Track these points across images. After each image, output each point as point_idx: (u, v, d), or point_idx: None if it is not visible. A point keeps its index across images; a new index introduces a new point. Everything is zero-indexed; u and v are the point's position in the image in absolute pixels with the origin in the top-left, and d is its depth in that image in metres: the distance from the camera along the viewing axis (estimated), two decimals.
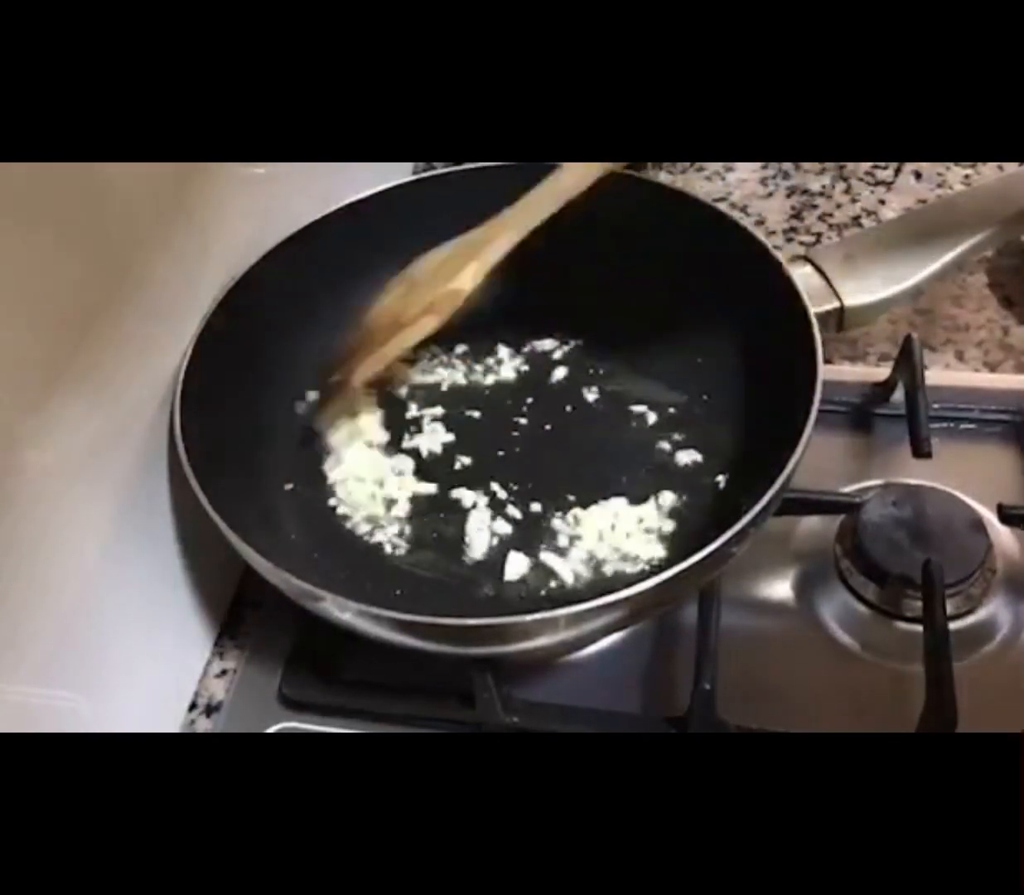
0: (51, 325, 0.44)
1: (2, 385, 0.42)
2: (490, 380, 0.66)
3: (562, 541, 0.57)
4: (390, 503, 0.60)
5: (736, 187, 0.84)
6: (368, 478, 0.61)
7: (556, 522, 0.58)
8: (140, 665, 0.54)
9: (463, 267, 0.54)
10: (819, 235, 0.80)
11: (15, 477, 0.43)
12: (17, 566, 0.44)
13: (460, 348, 0.68)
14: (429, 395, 0.66)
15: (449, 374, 0.67)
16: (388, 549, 0.58)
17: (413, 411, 0.65)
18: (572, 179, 0.52)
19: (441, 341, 0.67)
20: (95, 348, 0.47)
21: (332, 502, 0.61)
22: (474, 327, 0.67)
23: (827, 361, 0.53)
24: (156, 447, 0.54)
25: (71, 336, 0.46)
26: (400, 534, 0.59)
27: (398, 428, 0.64)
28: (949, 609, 0.55)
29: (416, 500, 0.60)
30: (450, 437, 0.63)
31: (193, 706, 0.59)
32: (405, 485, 0.61)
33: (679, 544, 0.57)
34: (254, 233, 0.60)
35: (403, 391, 0.66)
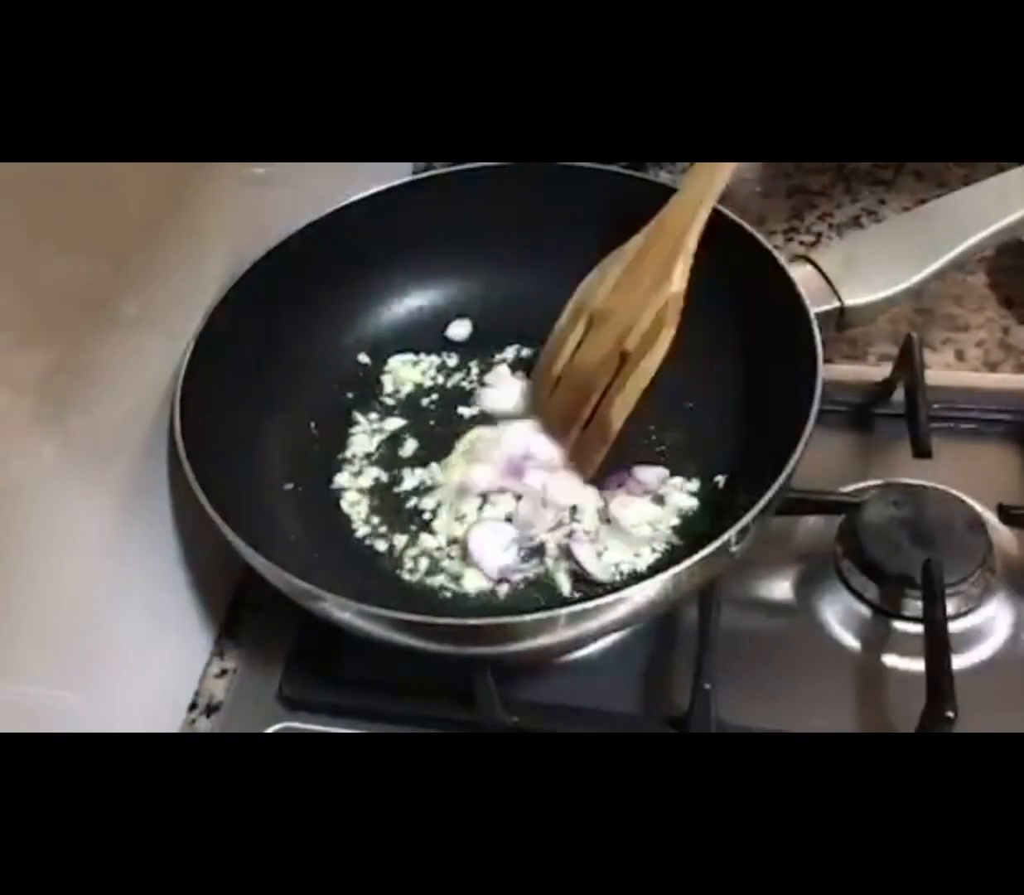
0: (52, 325, 0.44)
1: (3, 384, 0.42)
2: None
3: (562, 540, 0.57)
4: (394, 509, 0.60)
5: (736, 187, 0.84)
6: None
7: None
8: (140, 665, 0.54)
9: (665, 273, 0.53)
10: (819, 235, 0.80)
11: (15, 477, 0.43)
12: (17, 566, 0.44)
13: (461, 351, 0.68)
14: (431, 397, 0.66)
15: (453, 378, 0.67)
16: (388, 549, 0.58)
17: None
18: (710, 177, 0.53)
19: (438, 349, 0.67)
20: (95, 347, 0.47)
21: (333, 502, 0.61)
22: (474, 330, 0.67)
23: (827, 361, 0.53)
24: (156, 447, 0.54)
25: (71, 336, 0.46)
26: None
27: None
28: (949, 609, 0.55)
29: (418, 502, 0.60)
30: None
31: (193, 706, 0.59)
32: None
33: (679, 544, 0.57)
34: (254, 233, 0.60)
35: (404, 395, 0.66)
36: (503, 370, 0.65)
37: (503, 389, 0.64)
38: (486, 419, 0.64)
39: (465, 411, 0.64)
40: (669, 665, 0.57)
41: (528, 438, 0.61)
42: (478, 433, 0.62)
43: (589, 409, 0.56)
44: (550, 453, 0.60)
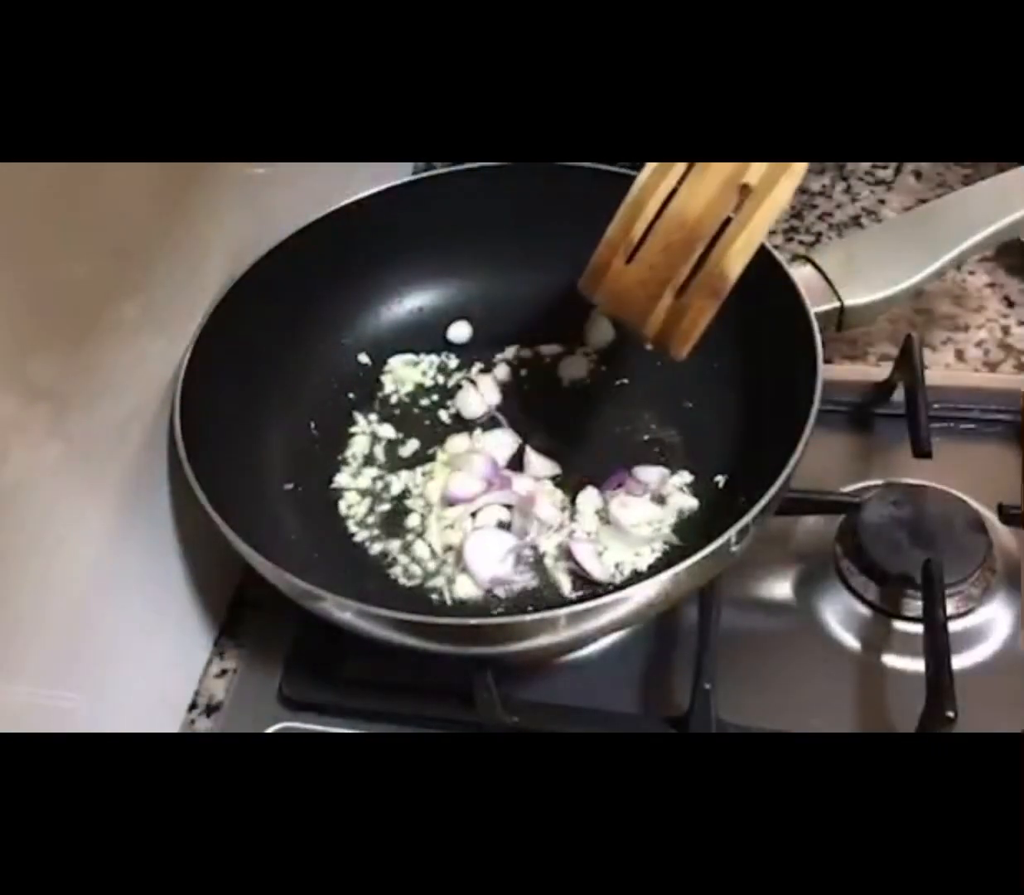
0: (52, 325, 0.44)
1: (3, 384, 0.42)
2: (498, 377, 0.66)
3: (561, 540, 0.57)
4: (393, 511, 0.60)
5: None
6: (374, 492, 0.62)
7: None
8: (140, 665, 0.54)
9: None
10: (819, 235, 0.80)
11: (15, 477, 0.43)
12: (17, 566, 0.44)
13: (461, 352, 0.68)
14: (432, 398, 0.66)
15: (453, 378, 0.67)
16: (384, 551, 0.58)
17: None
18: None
19: (438, 349, 0.67)
20: (96, 347, 0.47)
21: (332, 502, 0.61)
22: (474, 331, 0.67)
23: (827, 361, 0.53)
24: (156, 447, 0.54)
25: (72, 336, 0.46)
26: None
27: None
28: (949, 609, 0.55)
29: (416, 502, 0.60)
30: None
31: (193, 706, 0.59)
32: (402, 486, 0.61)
33: (679, 544, 0.57)
34: (254, 233, 0.60)
35: (404, 395, 0.66)
36: (500, 371, 0.65)
37: (484, 392, 0.64)
38: (467, 423, 0.64)
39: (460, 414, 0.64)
40: (669, 665, 0.57)
41: (507, 448, 0.61)
42: (457, 441, 0.62)
43: (689, 266, 0.47)
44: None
